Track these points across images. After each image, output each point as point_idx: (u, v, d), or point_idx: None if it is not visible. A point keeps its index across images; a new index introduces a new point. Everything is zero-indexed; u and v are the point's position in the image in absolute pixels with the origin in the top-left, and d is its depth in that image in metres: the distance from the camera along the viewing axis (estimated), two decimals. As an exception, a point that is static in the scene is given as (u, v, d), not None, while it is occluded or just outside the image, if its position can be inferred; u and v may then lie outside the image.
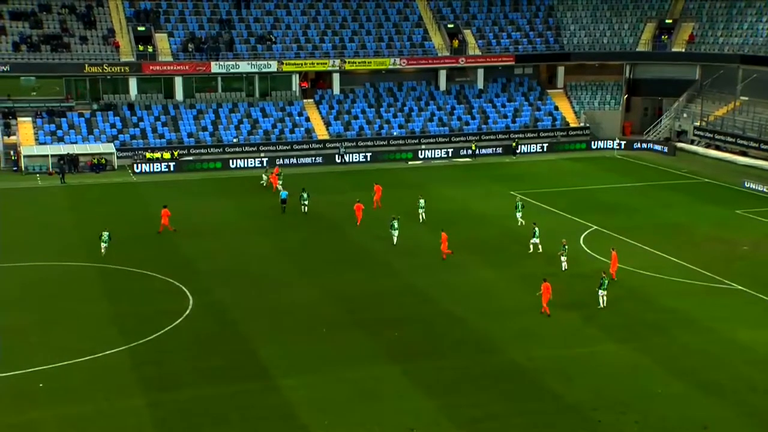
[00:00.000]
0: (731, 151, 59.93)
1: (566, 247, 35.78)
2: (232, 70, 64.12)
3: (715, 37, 66.98)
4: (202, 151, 60.36)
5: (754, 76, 62.14)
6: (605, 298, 31.25)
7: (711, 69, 66.03)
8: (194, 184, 54.13)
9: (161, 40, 64.17)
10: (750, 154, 58.53)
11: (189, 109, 63.48)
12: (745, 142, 59.33)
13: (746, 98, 62.52)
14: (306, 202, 45.26)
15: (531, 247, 37.97)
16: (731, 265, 36.12)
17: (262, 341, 28.50)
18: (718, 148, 61.29)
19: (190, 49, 63.85)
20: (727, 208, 46.53)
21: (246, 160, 59.31)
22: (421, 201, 43.91)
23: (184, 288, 33.48)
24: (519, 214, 42.61)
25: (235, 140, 61.47)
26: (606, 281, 31.50)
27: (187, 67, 63.03)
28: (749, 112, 61.11)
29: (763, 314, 30.87)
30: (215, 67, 63.45)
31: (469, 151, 62.28)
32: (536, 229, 38.23)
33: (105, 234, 37.43)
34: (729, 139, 60.68)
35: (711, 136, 62.38)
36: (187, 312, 31.03)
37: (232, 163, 59.00)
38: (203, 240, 40.76)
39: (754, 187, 50.89)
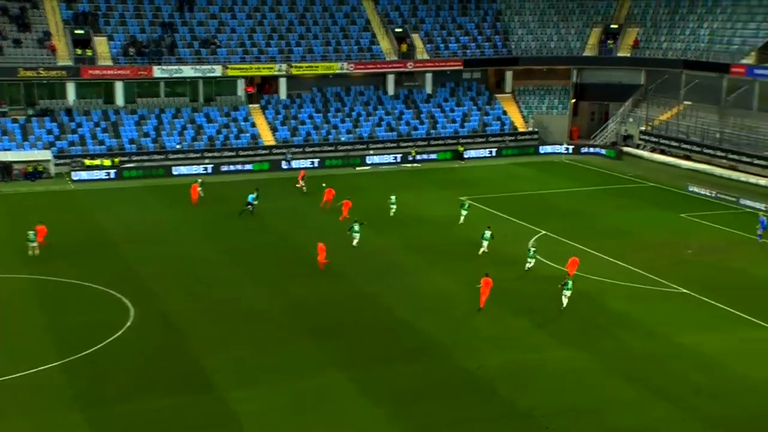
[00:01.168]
0: (675, 155, 61.41)
1: (534, 250, 36.47)
2: (175, 75, 63.24)
3: (659, 42, 68.63)
4: (144, 157, 59.37)
5: (696, 81, 63.83)
6: (566, 299, 31.80)
7: (655, 74, 67.61)
8: (136, 191, 53.21)
9: (100, 43, 62.94)
10: (693, 158, 60.05)
11: (130, 114, 62.38)
12: (688, 147, 60.87)
13: (689, 103, 64.17)
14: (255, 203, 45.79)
15: (482, 248, 38.55)
16: (677, 269, 36.91)
17: (207, 352, 28.07)
18: (663, 152, 62.74)
19: (131, 53, 62.78)
20: (672, 211, 47.60)
21: (190, 166, 58.49)
22: (393, 197, 45.59)
23: (124, 299, 32.80)
24: (464, 213, 43.76)
25: (178, 146, 60.60)
26: (570, 282, 32.05)
27: (128, 72, 61.95)
28: (692, 116, 62.73)
29: (708, 317, 31.61)
30: (158, 72, 62.51)
31: (417, 157, 62.48)
32: (487, 232, 38.71)
33: (30, 233, 36.54)
34: (673, 143, 62.16)
35: (656, 140, 63.85)
36: (128, 323, 30.42)
37: (175, 170, 58.12)
38: (146, 249, 40.06)
39: (697, 191, 52.19)
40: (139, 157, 59.26)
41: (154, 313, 31.64)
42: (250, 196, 46.08)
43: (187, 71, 63.28)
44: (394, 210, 45.71)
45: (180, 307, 32.31)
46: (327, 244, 39.32)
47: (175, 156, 59.86)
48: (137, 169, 57.84)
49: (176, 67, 63.04)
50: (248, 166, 59.26)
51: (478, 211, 47.51)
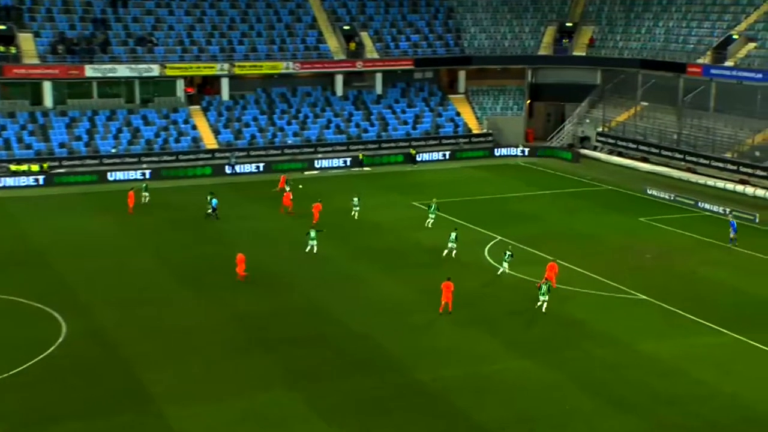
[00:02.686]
0: (633, 158, 62.78)
1: (510, 255, 37.14)
2: (109, 75, 62.38)
3: (614, 41, 70.12)
4: (76, 162, 58.40)
5: (653, 81, 65.39)
6: (545, 304, 32.84)
7: (612, 73, 68.95)
8: (68, 198, 52.34)
9: (26, 40, 61.74)
10: (651, 161, 61.48)
11: (60, 116, 61.33)
12: (646, 148, 62.30)
13: (646, 103, 65.69)
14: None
15: (446, 250, 39.39)
16: (635, 275, 37.75)
17: (147, 367, 27.83)
18: (620, 154, 64.08)
19: (60, 51, 61.74)
20: (630, 216, 48.66)
21: (126, 172, 57.75)
22: (355, 199, 46.54)
23: (56, 314, 32.25)
24: (432, 216, 44.86)
25: (113, 150, 59.77)
26: (545, 287, 32.90)
27: (57, 71, 60.89)
28: (649, 117, 64.24)
29: (666, 324, 32.40)
30: (90, 71, 61.58)
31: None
32: (453, 233, 39.66)
33: None
34: (631, 145, 63.56)
35: (613, 142, 65.17)
36: (61, 339, 29.97)
37: (111, 176, 57.32)
38: (79, 260, 39.46)
39: (656, 194, 53.45)
40: (70, 162, 58.27)
41: (88, 328, 31.19)
42: (214, 201, 46.49)
43: (122, 71, 62.47)
44: (357, 211, 46.64)
45: (116, 322, 31.91)
46: (275, 251, 39.21)
47: (110, 161, 59.00)
48: (69, 175, 56.90)
49: (110, 66, 62.19)
50: (190, 171, 58.78)
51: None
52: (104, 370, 27.79)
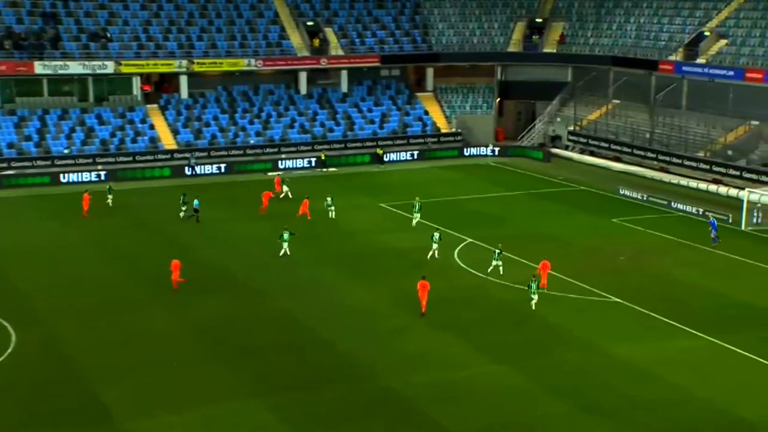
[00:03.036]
0: (605, 157, 63.50)
1: (500, 252, 37.66)
2: (60, 71, 61.66)
3: (585, 37, 70.88)
4: (27, 164, 57.68)
5: (624, 78, 66.19)
6: (533, 303, 33.80)
7: (583, 71, 69.68)
8: (17, 202, 51.68)
9: (-27, 35, 60.90)
10: (624, 160, 62.24)
11: (8, 115, 60.52)
12: (618, 148, 63.06)
13: (618, 101, 66.50)
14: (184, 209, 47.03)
15: (431, 252, 39.99)
16: (609, 277, 38.19)
17: (103, 379, 27.54)
18: (592, 153, 64.79)
19: (7, 47, 60.84)
20: (603, 216, 49.22)
21: (80, 173, 57.12)
22: (328, 199, 47.24)
23: (4, 323, 31.78)
24: (417, 215, 45.73)
25: (66, 151, 59.07)
26: (534, 285, 33.74)
27: (4, 68, 60.06)
28: (621, 115, 65.03)
29: (640, 327, 32.81)
30: (39, 68, 60.82)
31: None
32: (436, 234, 40.29)
33: None
34: (603, 144, 64.29)
35: (585, 141, 65.88)
36: (10, 350, 29.54)
37: (64, 178, 56.69)
38: (29, 267, 39.01)
39: (629, 194, 54.13)
40: (20, 164, 57.52)
41: (39, 338, 30.80)
42: (196, 202, 46.58)
43: (75, 67, 61.78)
44: (332, 211, 47.19)
45: (70, 331, 31.55)
46: (239, 256, 39.08)
47: (63, 162, 58.33)
48: (18, 177, 56.15)
49: (61, 62, 61.47)
50: (148, 173, 58.30)
51: (400, 218, 48.03)
52: (58, 382, 27.43)
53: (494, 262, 37.75)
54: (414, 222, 45.70)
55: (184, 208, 47.11)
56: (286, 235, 40.33)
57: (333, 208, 47.27)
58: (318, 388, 27.32)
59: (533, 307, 33.67)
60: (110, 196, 49.82)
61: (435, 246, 40.11)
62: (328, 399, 26.58)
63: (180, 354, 29.68)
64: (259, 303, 34.79)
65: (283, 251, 40.21)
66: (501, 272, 37.53)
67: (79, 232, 44.76)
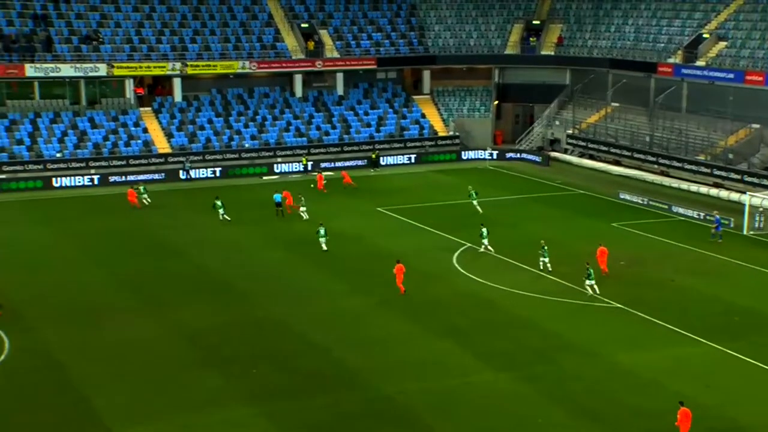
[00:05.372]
0: (605, 161, 63.36)
1: (546, 248, 38.94)
2: (51, 74, 61.41)
3: (583, 39, 70.79)
4: (18, 168, 57.42)
5: (623, 81, 66.10)
6: (595, 287, 35.17)
7: (581, 73, 69.52)
8: (9, 206, 51.46)
9: (-38, 37, 60.64)
10: (624, 164, 62.09)
11: (0, 119, 60.18)
12: (618, 151, 62.91)
13: (617, 104, 66.38)
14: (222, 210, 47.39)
15: (483, 247, 41.31)
16: (609, 282, 37.96)
17: (96, 387, 27.33)
18: (592, 157, 64.64)
19: (-1, 49, 60.66)
20: (602, 221, 49.02)
21: (73, 177, 56.89)
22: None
23: (-1, 331, 31.59)
24: (475, 202, 48.90)
25: (58, 155, 58.80)
26: (592, 270, 34.88)
27: (-5, 70, 59.86)
28: (620, 118, 64.90)
29: (643, 334, 32.58)
30: (31, 71, 60.58)
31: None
32: (484, 229, 41.30)
33: None
34: (602, 147, 64.14)
35: (584, 144, 65.73)
36: (2, 357, 29.36)
37: (56, 182, 56.48)
38: (22, 272, 38.82)
39: (629, 198, 53.95)
40: (11, 168, 57.26)
41: (32, 345, 30.59)
42: (276, 196, 48.50)
43: (66, 70, 61.55)
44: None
45: (63, 338, 31.34)
46: (231, 261, 38.94)
47: (56, 166, 58.08)
48: (9, 182, 55.92)
49: (53, 65, 61.24)
50: (142, 177, 58.05)
51: (396, 223, 47.83)
52: (50, 390, 27.23)
53: (542, 260, 38.58)
54: (477, 207, 48.89)
55: (221, 211, 47.20)
56: (322, 231, 41.39)
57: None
58: (312, 395, 27.07)
59: (589, 292, 35.13)
60: (145, 195, 50.43)
61: (485, 241, 41.25)
62: (322, 406, 26.34)
63: (172, 361, 29.47)
64: (253, 309, 34.55)
65: (323, 247, 41.35)
66: (550, 269, 38.42)
67: (72, 238, 44.56)
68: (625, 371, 29.06)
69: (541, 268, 38.90)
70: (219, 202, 46.59)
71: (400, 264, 35.68)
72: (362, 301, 35.60)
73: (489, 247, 41.41)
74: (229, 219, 46.77)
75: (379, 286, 36.99)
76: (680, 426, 24.34)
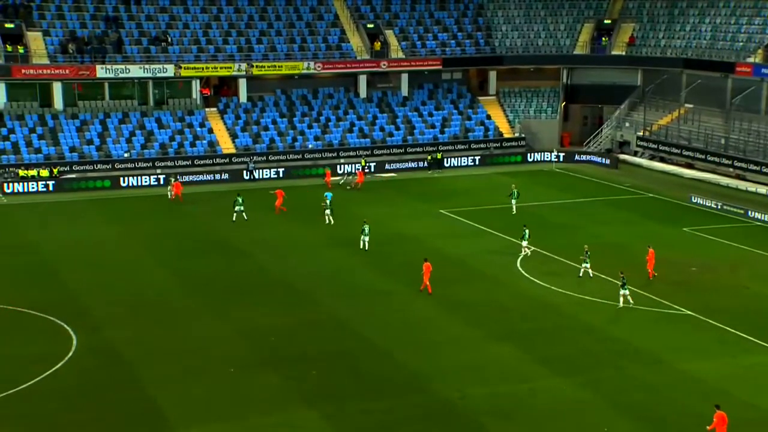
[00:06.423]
0: (677, 163, 62.23)
1: (588, 253, 38.36)
2: (121, 75, 63.00)
3: (656, 39, 69.65)
4: (88, 167, 58.97)
5: (698, 81, 64.83)
6: (629, 298, 34.63)
7: (653, 74, 68.48)
8: (78, 205, 52.82)
9: (35, 39, 62.56)
10: (696, 167, 60.89)
11: (71, 119, 62.00)
12: (690, 154, 61.71)
13: (691, 106, 65.13)
14: (241, 208, 47.85)
15: (523, 249, 41.38)
16: (679, 289, 37.35)
17: (160, 386, 27.91)
18: (662, 159, 63.55)
19: (71, 51, 62.46)
20: (673, 225, 48.19)
21: (139, 177, 58.23)
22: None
23: (66, 326, 32.50)
24: (514, 201, 49.42)
25: (126, 155, 60.30)
26: (626, 280, 34.77)
27: (67, 71, 61.57)
28: (694, 120, 63.64)
29: (713, 342, 31.98)
30: (101, 72, 62.21)
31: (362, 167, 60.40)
32: (526, 231, 41.42)
33: None
34: (674, 150, 63.00)
35: (655, 146, 64.65)
36: (70, 354, 30.14)
37: (124, 182, 57.85)
38: (90, 271, 39.77)
39: (701, 202, 52.91)
40: (81, 167, 58.83)
41: (98, 342, 31.36)
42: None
43: (135, 71, 63.06)
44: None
45: (129, 336, 32.06)
46: (295, 262, 39.36)
47: (123, 166, 59.52)
48: (79, 181, 57.44)
49: (123, 66, 62.82)
50: (206, 177, 59.13)
51: (459, 225, 47.80)
52: (116, 388, 27.86)
53: (583, 266, 38.04)
54: (514, 209, 49.30)
55: (237, 209, 47.76)
56: (367, 228, 41.93)
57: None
58: (374, 398, 27.25)
59: (620, 304, 34.47)
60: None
61: (524, 243, 41.40)
62: (383, 410, 26.48)
63: (236, 361, 29.90)
64: (315, 311, 34.90)
65: (365, 246, 41.88)
66: (591, 275, 37.82)
67: (138, 237, 45.55)
68: (694, 378, 28.57)
69: (581, 274, 38.15)
70: (240, 199, 47.66)
71: (428, 263, 36.25)
72: (423, 303, 35.66)
73: (528, 248, 41.32)
74: (246, 218, 47.40)
75: (440, 289, 37.01)
76: (716, 429, 24.04)
